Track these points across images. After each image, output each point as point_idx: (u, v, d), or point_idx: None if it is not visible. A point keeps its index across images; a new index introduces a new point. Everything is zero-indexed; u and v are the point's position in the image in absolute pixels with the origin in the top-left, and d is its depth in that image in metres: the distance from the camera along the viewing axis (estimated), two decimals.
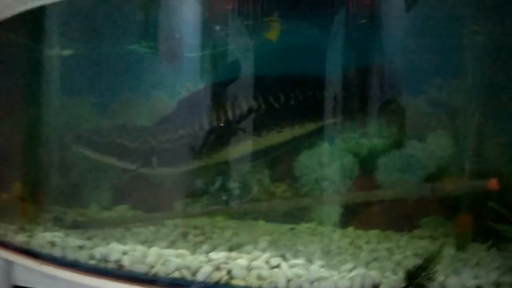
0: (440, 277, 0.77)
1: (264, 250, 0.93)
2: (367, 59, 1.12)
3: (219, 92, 1.18)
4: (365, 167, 1.27)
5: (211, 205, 1.26)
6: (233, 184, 1.28)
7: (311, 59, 1.14)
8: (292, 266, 0.86)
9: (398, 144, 1.23)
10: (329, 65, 1.09)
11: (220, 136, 1.19)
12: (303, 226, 1.26)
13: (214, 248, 0.98)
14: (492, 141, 1.13)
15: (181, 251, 0.95)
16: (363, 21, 1.07)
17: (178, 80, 1.31)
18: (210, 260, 0.89)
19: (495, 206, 0.86)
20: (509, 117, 1.11)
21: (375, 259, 0.94)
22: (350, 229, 1.22)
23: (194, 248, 0.98)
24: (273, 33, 1.14)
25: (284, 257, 0.91)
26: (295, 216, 1.30)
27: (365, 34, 1.10)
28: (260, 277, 0.83)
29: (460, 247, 1.02)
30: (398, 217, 1.20)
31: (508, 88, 1.12)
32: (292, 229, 1.25)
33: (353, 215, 1.25)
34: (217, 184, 1.29)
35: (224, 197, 1.26)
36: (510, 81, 1.11)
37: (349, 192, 1.22)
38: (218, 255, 0.90)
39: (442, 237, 1.13)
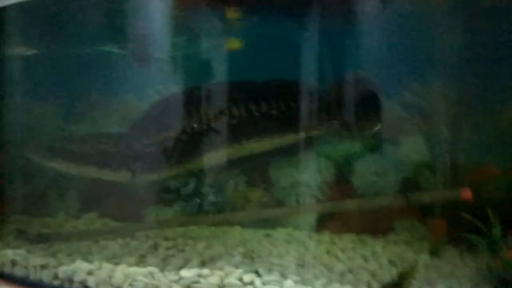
0: None
1: (237, 266, 0.90)
2: (341, 64, 1.10)
3: (187, 99, 1.13)
4: (342, 171, 1.26)
5: (185, 211, 1.23)
6: (207, 190, 1.25)
7: (285, 63, 1.11)
8: (265, 283, 0.84)
9: (374, 148, 1.22)
10: (305, 72, 1.06)
11: (192, 143, 1.14)
12: (279, 232, 1.24)
13: (186, 263, 0.94)
14: (466, 144, 1.13)
15: (150, 268, 0.91)
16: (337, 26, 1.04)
17: (147, 82, 1.25)
18: (180, 279, 0.85)
19: (466, 216, 0.85)
20: (483, 120, 1.11)
21: (350, 271, 0.93)
22: (326, 234, 1.21)
23: (164, 264, 0.94)
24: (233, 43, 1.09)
25: (257, 273, 0.88)
26: (271, 220, 1.28)
27: (340, 39, 1.07)
28: None
29: (434, 253, 1.02)
30: (373, 220, 1.20)
31: (481, 90, 1.12)
32: (267, 235, 1.22)
33: (329, 219, 1.24)
34: (190, 189, 1.25)
35: (198, 203, 1.23)
36: (483, 83, 1.11)
37: (325, 198, 1.20)
38: (189, 273, 0.87)
39: (417, 241, 1.13)
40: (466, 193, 0.90)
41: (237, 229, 1.25)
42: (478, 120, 1.11)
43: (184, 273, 0.87)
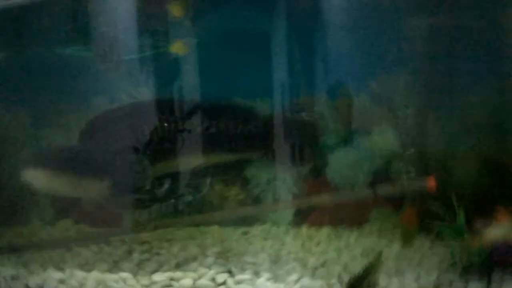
0: (381, 283, 0.78)
1: (210, 266, 0.91)
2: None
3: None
4: (315, 164, 1.27)
5: (160, 213, 1.22)
6: (182, 190, 1.24)
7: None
8: (238, 282, 0.84)
9: (344, 141, 1.23)
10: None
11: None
12: (256, 229, 1.25)
13: (160, 267, 0.94)
14: (435, 133, 1.15)
15: (122, 274, 0.90)
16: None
17: (113, 85, 1.22)
18: (152, 283, 0.85)
19: (433, 204, 0.87)
20: (451, 111, 1.13)
21: (323, 264, 0.94)
22: (304, 228, 1.22)
23: (138, 269, 0.93)
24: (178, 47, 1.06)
25: (230, 273, 0.88)
26: (249, 218, 1.28)
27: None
28: None
29: (406, 242, 1.04)
30: (349, 212, 1.21)
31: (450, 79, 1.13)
32: (245, 233, 1.23)
33: (306, 214, 1.25)
34: (164, 190, 1.24)
35: (173, 204, 1.22)
36: (451, 72, 1.13)
37: (300, 193, 1.21)
38: (161, 277, 0.87)
39: (389, 231, 1.15)
40: (431, 182, 0.92)
41: (214, 229, 1.25)
42: (445, 107, 1.13)
43: (156, 277, 0.87)
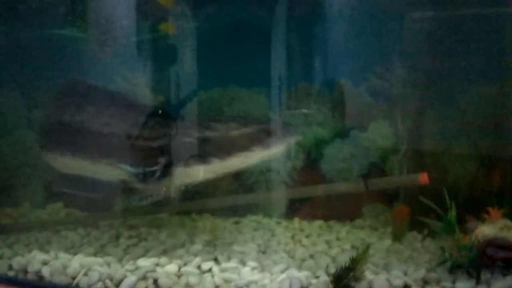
0: (367, 276, 0.77)
1: (196, 254, 0.89)
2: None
3: None
4: (310, 157, 1.25)
5: (152, 198, 1.20)
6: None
7: None
8: (223, 270, 0.83)
9: (340, 134, 1.21)
10: None
11: None
12: (249, 219, 1.23)
13: (146, 252, 0.92)
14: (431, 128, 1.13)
15: (108, 258, 0.89)
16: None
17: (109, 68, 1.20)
18: (137, 268, 0.83)
19: (424, 200, 0.85)
20: (446, 107, 1.11)
21: (311, 256, 0.93)
22: (296, 221, 1.20)
23: (124, 254, 0.92)
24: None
25: (216, 260, 0.87)
26: (242, 208, 1.27)
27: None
28: (188, 285, 0.79)
29: (396, 237, 1.02)
30: (342, 206, 1.20)
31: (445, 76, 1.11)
32: (237, 222, 1.22)
33: (299, 206, 1.24)
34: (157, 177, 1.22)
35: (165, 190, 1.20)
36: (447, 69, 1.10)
37: (293, 183, 1.20)
38: (146, 262, 0.85)
39: (381, 226, 1.14)
40: (423, 178, 0.90)
41: (206, 217, 1.24)
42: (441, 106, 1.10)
43: (141, 262, 0.86)
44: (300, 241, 1.04)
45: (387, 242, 1.00)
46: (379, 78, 1.11)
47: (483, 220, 0.79)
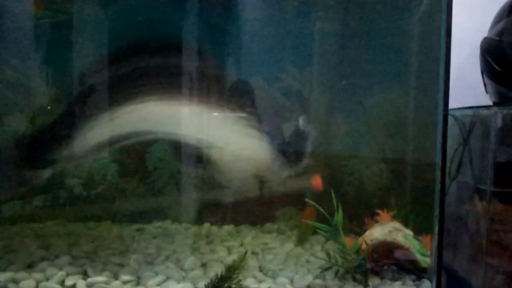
0: (249, 285, 0.69)
1: (63, 267, 0.77)
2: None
3: None
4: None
5: (44, 206, 1.06)
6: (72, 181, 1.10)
7: None
8: (90, 285, 0.72)
9: None
10: None
11: None
12: (154, 226, 1.13)
13: (8, 265, 0.79)
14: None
15: None
16: None
17: None
18: None
19: (309, 201, 0.80)
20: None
21: (203, 265, 0.84)
22: (206, 226, 1.12)
23: None
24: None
25: (85, 274, 0.76)
26: (150, 213, 1.16)
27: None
28: None
29: (299, 241, 0.97)
30: (255, 210, 1.13)
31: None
32: (139, 230, 1.11)
33: (211, 211, 1.16)
34: (49, 181, 1.08)
35: (59, 196, 1.07)
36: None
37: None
38: (1, 277, 0.73)
39: (290, 229, 1.08)
40: (316, 181, 0.85)
41: (105, 225, 1.12)
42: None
43: None
44: (198, 249, 0.95)
45: (289, 246, 0.94)
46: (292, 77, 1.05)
47: (373, 224, 0.75)
